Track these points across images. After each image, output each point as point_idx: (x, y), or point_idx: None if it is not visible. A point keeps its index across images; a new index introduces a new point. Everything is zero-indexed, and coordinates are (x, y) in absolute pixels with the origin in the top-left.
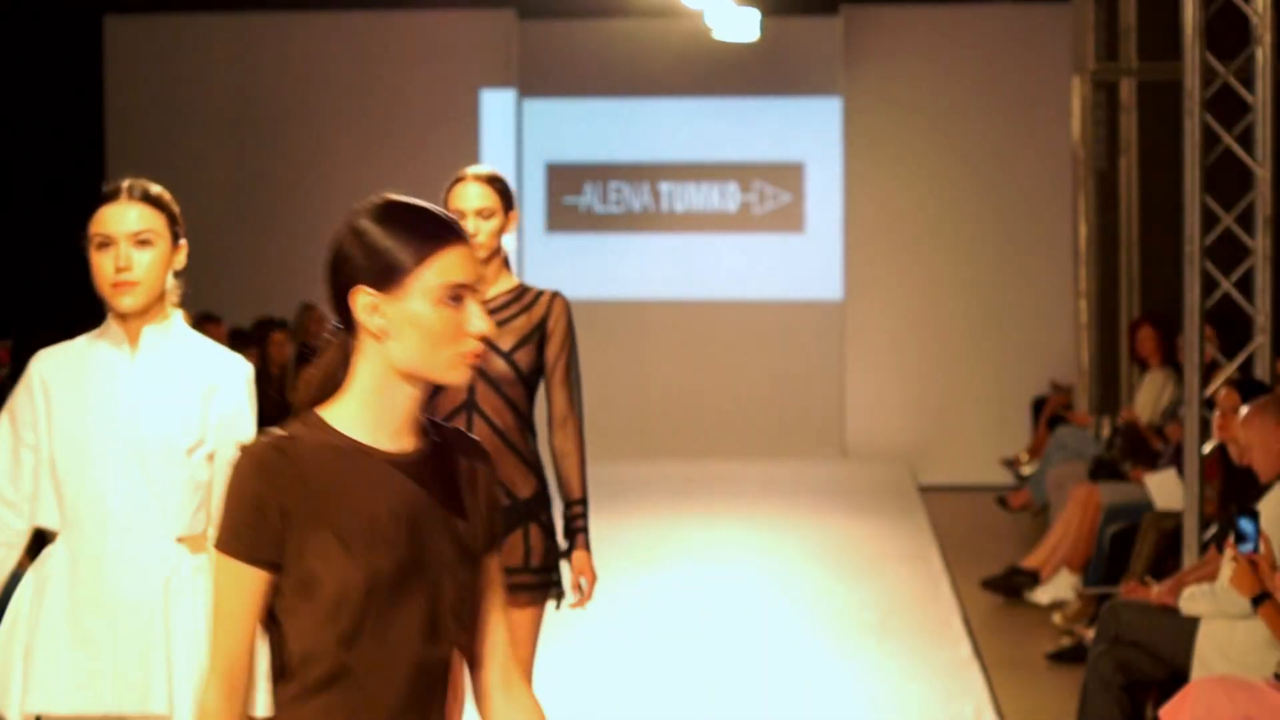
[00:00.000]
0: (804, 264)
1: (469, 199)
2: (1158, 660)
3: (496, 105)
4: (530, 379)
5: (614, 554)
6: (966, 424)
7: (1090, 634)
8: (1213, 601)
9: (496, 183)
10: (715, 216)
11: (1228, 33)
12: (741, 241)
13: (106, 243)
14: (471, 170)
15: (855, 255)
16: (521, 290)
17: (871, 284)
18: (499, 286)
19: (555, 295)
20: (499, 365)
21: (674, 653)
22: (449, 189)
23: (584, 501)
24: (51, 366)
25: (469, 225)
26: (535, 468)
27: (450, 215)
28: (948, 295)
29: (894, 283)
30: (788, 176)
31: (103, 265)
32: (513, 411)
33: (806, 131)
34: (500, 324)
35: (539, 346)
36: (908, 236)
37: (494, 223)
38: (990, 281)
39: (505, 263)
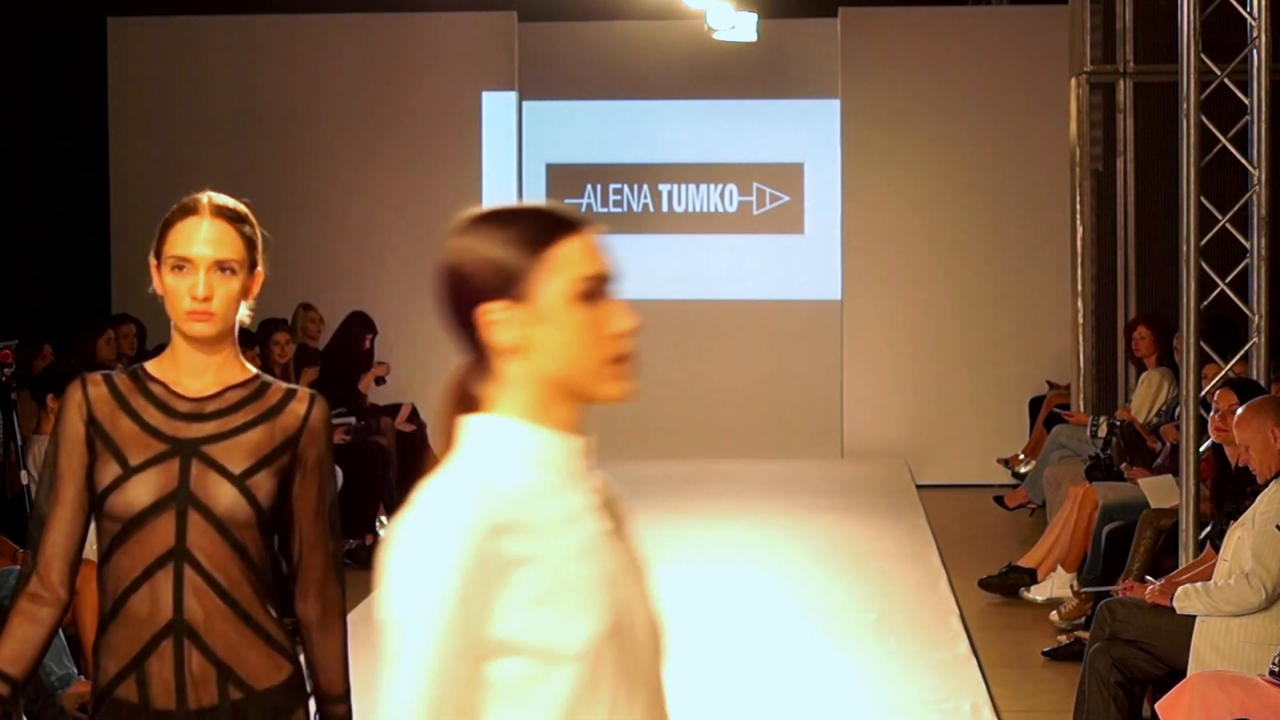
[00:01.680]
0: (803, 264)
1: (204, 242)
2: (1154, 658)
3: (498, 107)
4: (270, 517)
5: None
6: (964, 423)
7: (1086, 631)
8: (1207, 601)
9: (246, 225)
10: (715, 217)
11: (1224, 35)
12: (741, 242)
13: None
14: (210, 198)
15: (853, 255)
16: (260, 386)
17: (869, 284)
18: (227, 377)
19: (313, 398)
20: (226, 496)
21: (673, 651)
22: (170, 222)
23: (347, 698)
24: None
25: (198, 283)
26: (280, 645)
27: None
28: (945, 295)
29: (891, 283)
30: (787, 178)
31: None
32: (242, 563)
33: (805, 133)
34: (229, 435)
35: (286, 472)
36: (905, 237)
37: (235, 284)
38: (987, 281)
39: (236, 342)
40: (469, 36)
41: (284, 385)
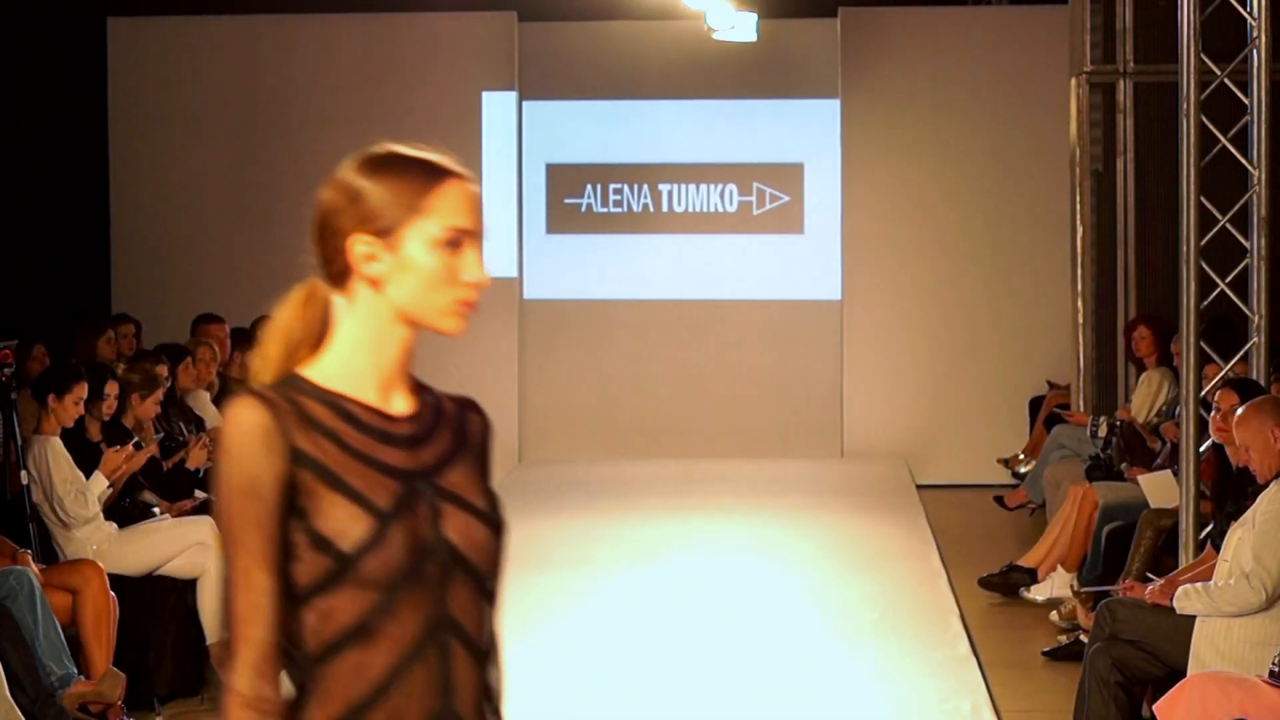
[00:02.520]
0: (803, 264)
1: (477, 212)
2: (1154, 658)
3: (498, 107)
4: None
5: (614, 553)
6: (964, 423)
7: (1087, 629)
8: (1207, 601)
9: None
10: (715, 217)
11: (1224, 35)
12: (741, 242)
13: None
14: (455, 163)
15: (853, 255)
16: (433, 395)
17: (869, 284)
18: (412, 389)
19: (474, 402)
20: (480, 538)
21: (673, 651)
22: (420, 178)
23: None
24: None
25: (476, 264)
26: None
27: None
28: (945, 295)
29: (891, 283)
30: (787, 177)
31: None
32: (492, 628)
33: (805, 133)
34: (450, 461)
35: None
36: (905, 237)
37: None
38: (987, 281)
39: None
40: (469, 36)
41: (445, 392)
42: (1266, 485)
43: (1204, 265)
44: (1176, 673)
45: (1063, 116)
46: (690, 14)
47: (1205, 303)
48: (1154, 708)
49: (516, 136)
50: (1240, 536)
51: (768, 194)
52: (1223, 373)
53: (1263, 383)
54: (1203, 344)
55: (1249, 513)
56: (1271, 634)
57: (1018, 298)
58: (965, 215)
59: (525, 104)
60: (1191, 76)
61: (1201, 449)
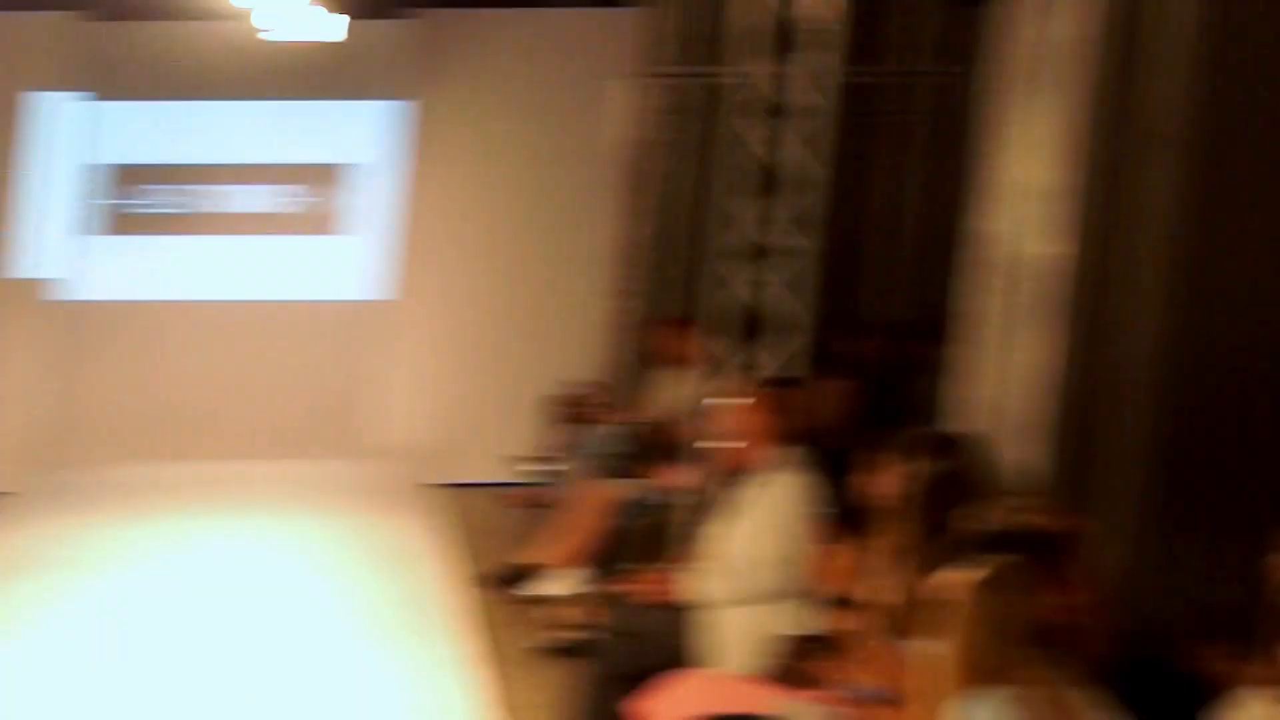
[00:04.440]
0: (352, 265)
1: None
2: (657, 652)
3: (40, 107)
4: None
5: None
6: (488, 422)
7: (586, 629)
8: (724, 585)
9: None
10: (265, 218)
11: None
12: (289, 243)
13: None
14: None
15: (402, 257)
16: None
17: (414, 287)
18: None
19: None
20: None
21: (155, 664)
22: None
23: None
24: None
25: None
26: None
27: None
28: (483, 296)
29: (436, 286)
30: (337, 179)
31: None
32: None
33: (359, 135)
34: None
35: None
36: (456, 241)
37: None
38: (523, 283)
39: None
40: (11, 34)
41: None
42: (750, 475)
43: (721, 266)
44: (677, 666)
45: (606, 118)
46: (239, 13)
47: (738, 303)
48: (629, 707)
49: (63, 137)
50: (731, 527)
51: (317, 196)
52: (759, 372)
53: (797, 382)
54: (731, 343)
55: (740, 503)
56: (770, 625)
57: (550, 299)
58: (512, 217)
59: (71, 104)
60: (727, 79)
61: (711, 446)
